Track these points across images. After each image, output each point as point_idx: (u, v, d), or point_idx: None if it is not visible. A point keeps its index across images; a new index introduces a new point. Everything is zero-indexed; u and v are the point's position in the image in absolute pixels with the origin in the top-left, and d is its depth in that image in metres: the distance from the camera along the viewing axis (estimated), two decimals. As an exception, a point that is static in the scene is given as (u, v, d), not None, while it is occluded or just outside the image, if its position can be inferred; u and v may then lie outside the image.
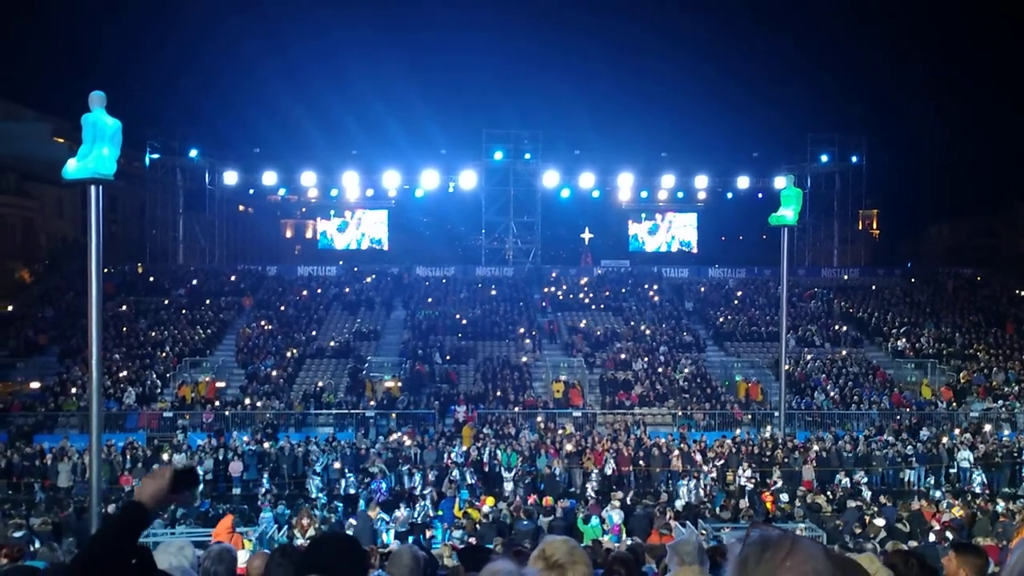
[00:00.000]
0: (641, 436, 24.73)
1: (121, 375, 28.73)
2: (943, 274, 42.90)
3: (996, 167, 71.17)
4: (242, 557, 7.48)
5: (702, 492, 20.54)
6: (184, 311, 35.10)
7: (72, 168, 15.53)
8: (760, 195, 43.66)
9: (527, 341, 33.33)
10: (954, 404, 28.93)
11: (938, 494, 20.36)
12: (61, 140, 44.32)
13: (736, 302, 38.37)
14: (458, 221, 51.52)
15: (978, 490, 21.67)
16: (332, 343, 32.86)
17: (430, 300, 37.00)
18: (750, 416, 28.14)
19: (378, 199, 46.49)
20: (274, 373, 29.84)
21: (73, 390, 27.68)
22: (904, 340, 33.72)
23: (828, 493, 20.18)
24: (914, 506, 17.86)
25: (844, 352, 32.73)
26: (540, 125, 44.71)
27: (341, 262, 42.89)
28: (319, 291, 38.49)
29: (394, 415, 27.13)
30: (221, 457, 22.52)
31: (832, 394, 29.09)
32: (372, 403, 27.78)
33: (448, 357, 31.85)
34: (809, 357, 32.20)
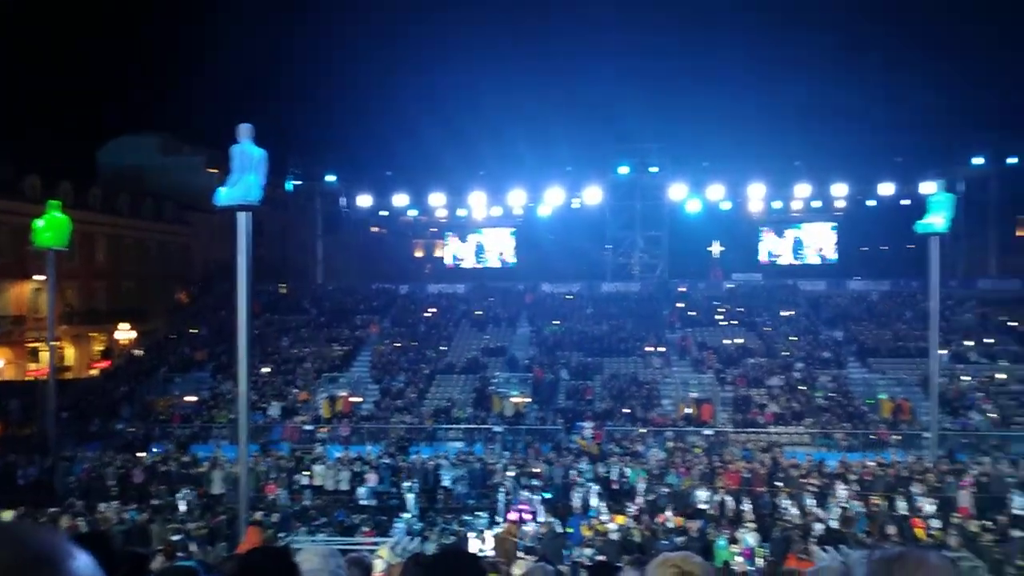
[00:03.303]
0: (776, 456, 23.62)
1: (265, 390, 30.63)
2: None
3: None
4: (378, 565, 7.80)
5: (844, 515, 19.28)
6: (323, 329, 37.01)
7: (223, 195, 16.82)
8: (905, 202, 40.96)
9: (655, 358, 32.72)
10: None
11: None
12: (213, 170, 47.99)
13: (880, 316, 36.11)
14: (583, 237, 51.32)
15: None
16: (460, 360, 33.54)
17: (556, 323, 36.74)
18: (899, 437, 26.26)
19: (504, 217, 47.41)
20: (406, 388, 30.86)
21: (223, 404, 29.77)
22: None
23: (988, 521, 18.43)
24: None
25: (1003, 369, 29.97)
26: (667, 138, 43.88)
27: (468, 281, 43.88)
28: (448, 308, 39.51)
29: (523, 430, 27.35)
30: (357, 469, 23.42)
31: (991, 414, 26.69)
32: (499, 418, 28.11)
33: (569, 374, 31.73)
34: (961, 374, 29.68)
